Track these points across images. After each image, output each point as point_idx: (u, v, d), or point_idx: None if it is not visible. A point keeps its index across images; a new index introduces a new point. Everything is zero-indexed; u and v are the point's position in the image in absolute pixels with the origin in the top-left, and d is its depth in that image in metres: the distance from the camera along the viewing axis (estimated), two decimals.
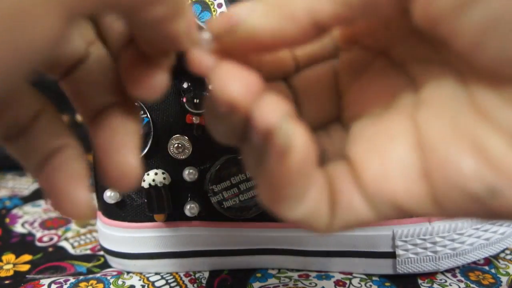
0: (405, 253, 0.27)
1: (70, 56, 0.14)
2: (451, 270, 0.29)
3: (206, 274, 0.29)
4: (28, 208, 0.40)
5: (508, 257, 0.31)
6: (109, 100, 0.15)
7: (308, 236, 0.28)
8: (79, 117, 0.44)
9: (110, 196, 0.27)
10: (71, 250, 0.33)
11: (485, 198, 0.12)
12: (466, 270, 0.29)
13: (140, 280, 0.28)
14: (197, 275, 0.29)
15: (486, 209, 0.12)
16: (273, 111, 0.12)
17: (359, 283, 0.28)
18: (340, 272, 0.29)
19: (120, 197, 0.28)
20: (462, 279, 0.28)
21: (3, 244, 0.34)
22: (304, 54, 0.16)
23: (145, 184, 0.27)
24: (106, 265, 0.31)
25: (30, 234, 0.35)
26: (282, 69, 0.16)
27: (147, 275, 0.29)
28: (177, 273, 0.29)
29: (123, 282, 0.28)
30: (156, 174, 0.27)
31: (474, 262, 0.30)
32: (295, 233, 0.28)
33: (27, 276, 0.29)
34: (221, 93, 0.12)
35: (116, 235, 0.29)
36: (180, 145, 0.26)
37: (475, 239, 0.27)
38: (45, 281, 0.28)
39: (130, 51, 0.14)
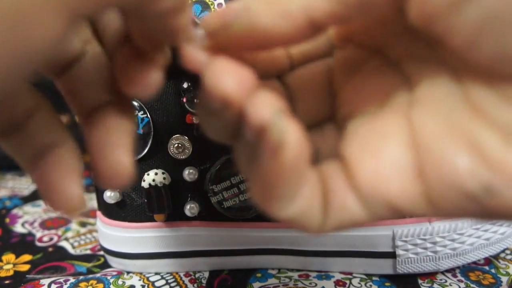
0: (405, 253, 0.27)
1: (66, 55, 0.14)
2: (451, 270, 0.29)
3: (206, 274, 0.29)
4: (28, 208, 0.40)
5: (508, 257, 0.31)
6: (104, 99, 0.15)
7: (308, 236, 0.28)
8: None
9: (110, 196, 0.27)
10: (71, 250, 0.33)
11: (481, 197, 0.12)
12: (466, 270, 0.29)
13: (140, 280, 0.28)
14: (197, 275, 0.29)
15: (482, 208, 0.12)
16: (267, 107, 0.12)
17: (359, 283, 0.28)
18: (340, 272, 0.29)
19: (120, 197, 0.28)
20: (462, 279, 0.28)
21: (3, 244, 0.34)
22: (299, 52, 0.16)
23: (145, 184, 0.27)
24: (106, 265, 0.31)
25: (30, 234, 0.35)
26: (277, 67, 0.16)
27: (147, 275, 0.29)
28: (177, 273, 0.29)
29: (123, 282, 0.28)
30: (156, 174, 0.27)
31: (474, 262, 0.30)
32: (295, 233, 0.28)
33: (27, 276, 0.29)
34: (214, 88, 0.12)
35: (116, 235, 0.29)
36: (180, 145, 0.26)
37: (475, 239, 0.27)
38: (45, 281, 0.28)
39: (125, 49, 0.14)
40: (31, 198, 0.42)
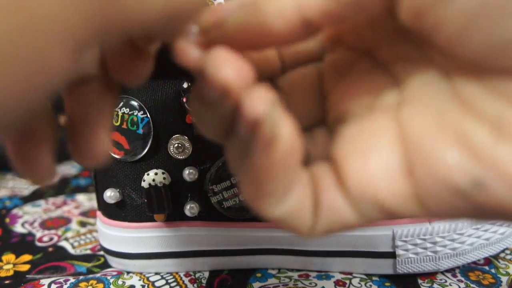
0: (405, 253, 0.27)
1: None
2: (451, 270, 0.29)
3: (206, 274, 0.29)
4: (28, 208, 0.40)
5: (508, 257, 0.31)
6: (91, 73, 0.14)
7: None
8: None
9: (110, 196, 0.27)
10: (71, 250, 0.33)
11: (470, 192, 0.12)
12: (466, 270, 0.29)
13: (140, 280, 0.28)
14: (197, 275, 0.29)
15: (473, 205, 0.12)
16: (262, 101, 0.12)
17: (359, 283, 0.28)
18: (340, 272, 0.29)
19: (120, 197, 0.28)
20: (462, 279, 0.28)
21: (3, 244, 0.34)
22: (291, 55, 0.16)
23: (145, 184, 0.27)
24: (106, 265, 0.31)
25: (30, 234, 0.35)
26: (269, 68, 0.16)
27: (147, 275, 0.29)
28: (177, 273, 0.29)
29: (123, 282, 0.28)
30: (156, 174, 0.27)
31: (474, 262, 0.30)
32: None
33: (27, 276, 0.29)
34: (215, 76, 0.12)
35: (116, 235, 0.29)
36: (180, 145, 0.26)
37: (475, 239, 0.27)
38: (45, 281, 0.28)
39: None
40: (31, 198, 0.42)
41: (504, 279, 0.28)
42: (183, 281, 0.28)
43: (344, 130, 0.15)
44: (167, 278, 0.29)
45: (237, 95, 0.12)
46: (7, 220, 0.38)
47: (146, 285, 0.28)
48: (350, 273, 0.29)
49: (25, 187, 0.45)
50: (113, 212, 0.29)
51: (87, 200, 0.42)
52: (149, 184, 0.27)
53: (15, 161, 0.13)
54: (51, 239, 0.34)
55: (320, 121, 0.17)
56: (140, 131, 0.26)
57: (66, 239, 0.34)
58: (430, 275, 0.29)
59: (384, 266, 0.28)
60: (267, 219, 0.13)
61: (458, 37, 0.11)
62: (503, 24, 0.10)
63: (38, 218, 0.38)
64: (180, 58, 0.13)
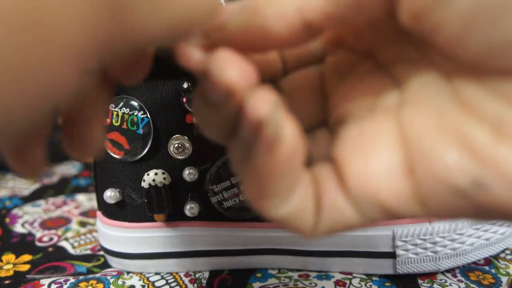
0: (405, 253, 0.27)
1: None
2: (451, 270, 0.29)
3: (206, 274, 0.29)
4: (28, 208, 0.40)
5: (508, 257, 0.31)
6: (92, 84, 0.15)
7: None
8: None
9: (110, 196, 0.27)
10: (71, 250, 0.33)
11: (471, 192, 0.12)
12: (466, 270, 0.29)
13: (140, 280, 0.28)
14: (197, 275, 0.29)
15: (473, 205, 0.12)
16: (265, 102, 0.12)
17: (359, 283, 0.28)
18: (340, 272, 0.29)
19: (120, 197, 0.28)
20: (462, 279, 0.28)
21: (3, 244, 0.34)
22: (292, 57, 0.16)
23: (145, 184, 0.27)
24: (106, 265, 0.31)
25: (30, 234, 0.35)
26: (271, 70, 0.16)
27: (147, 275, 0.29)
28: (177, 273, 0.29)
29: (123, 282, 0.28)
30: (156, 174, 0.27)
31: (474, 262, 0.30)
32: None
33: (27, 276, 0.29)
34: (219, 77, 0.12)
35: (116, 235, 0.29)
36: (180, 145, 0.26)
37: (475, 239, 0.27)
38: (45, 281, 0.28)
39: None
40: (31, 198, 0.42)
41: (504, 279, 0.28)
42: (183, 281, 0.28)
43: (345, 131, 0.15)
44: (167, 278, 0.29)
45: (240, 96, 0.12)
46: (7, 220, 0.38)
47: (146, 285, 0.28)
48: (350, 273, 0.29)
49: (25, 187, 0.45)
50: (113, 212, 0.29)
51: (87, 200, 0.42)
52: (149, 184, 0.27)
53: (8, 155, 0.13)
54: (51, 239, 0.34)
55: (322, 122, 0.17)
56: (140, 131, 0.26)
57: (66, 239, 0.34)
58: (430, 275, 0.29)
59: (384, 266, 0.28)
60: (269, 219, 0.13)
61: (457, 39, 0.11)
62: (502, 25, 0.10)
63: (38, 218, 0.38)
64: (183, 60, 0.13)
